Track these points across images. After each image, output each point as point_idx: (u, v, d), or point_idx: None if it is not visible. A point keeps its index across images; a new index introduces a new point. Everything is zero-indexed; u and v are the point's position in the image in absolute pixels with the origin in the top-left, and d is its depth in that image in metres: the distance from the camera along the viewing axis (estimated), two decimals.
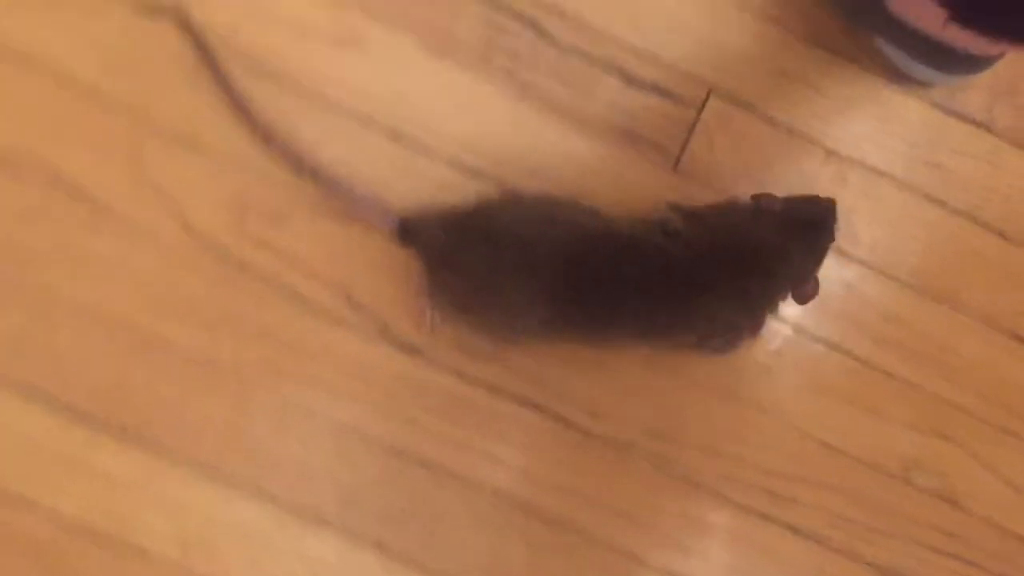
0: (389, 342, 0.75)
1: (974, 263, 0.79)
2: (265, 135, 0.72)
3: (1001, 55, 0.74)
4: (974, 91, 0.79)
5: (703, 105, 0.77)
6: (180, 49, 0.73)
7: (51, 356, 0.73)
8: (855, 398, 0.78)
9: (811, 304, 0.75)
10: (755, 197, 0.71)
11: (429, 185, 0.74)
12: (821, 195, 0.72)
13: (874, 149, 0.79)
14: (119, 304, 0.73)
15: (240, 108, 0.72)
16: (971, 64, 0.73)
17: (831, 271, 0.77)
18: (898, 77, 0.78)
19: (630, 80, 0.76)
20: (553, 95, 0.76)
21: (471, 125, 0.75)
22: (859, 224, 0.78)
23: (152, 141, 0.73)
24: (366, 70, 0.75)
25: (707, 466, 0.77)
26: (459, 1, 0.75)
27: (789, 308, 0.75)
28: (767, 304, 0.71)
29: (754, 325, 0.73)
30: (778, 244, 0.68)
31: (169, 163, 0.73)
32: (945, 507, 0.79)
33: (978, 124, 0.79)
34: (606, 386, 0.76)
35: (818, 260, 0.71)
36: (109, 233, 0.73)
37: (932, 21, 0.67)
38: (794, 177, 0.78)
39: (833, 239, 0.71)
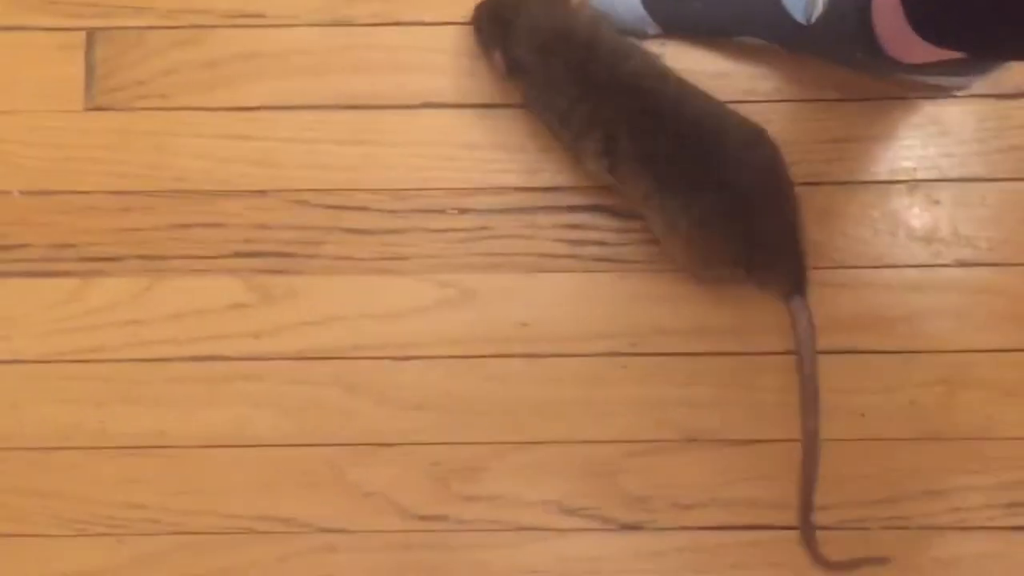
0: (607, 527, 0.81)
1: None
2: None
3: None
4: (1011, 69, 0.81)
5: None
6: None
7: None
8: None
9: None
10: None
11: None
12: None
13: (949, 161, 0.81)
14: None
15: None
16: (988, 60, 0.75)
17: (968, 283, 0.80)
18: (937, 91, 0.81)
19: None
20: (649, 255, 0.81)
21: None
22: (969, 232, 0.81)
23: (344, 459, 0.82)
24: None
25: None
26: (538, 223, 0.82)
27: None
28: None
29: None
30: None
31: (366, 471, 0.82)
32: None
33: None
34: None
35: None
36: (345, 549, 0.82)
37: (924, 50, 0.70)
38: (890, 220, 0.81)
39: None
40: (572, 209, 0.82)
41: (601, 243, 0.82)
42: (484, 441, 0.81)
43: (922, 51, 0.70)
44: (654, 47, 0.82)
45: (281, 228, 0.82)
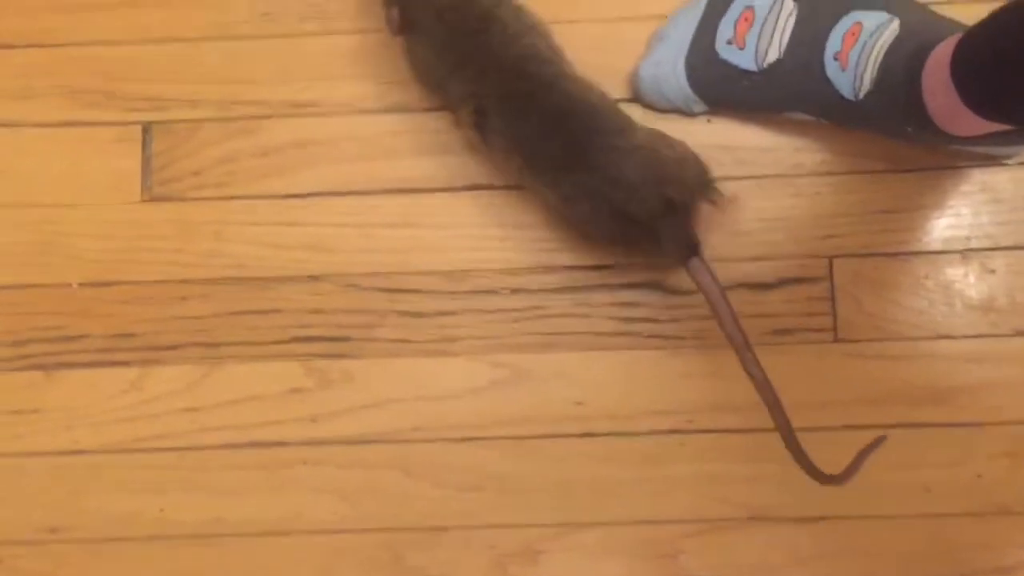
0: None
1: None
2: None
3: None
4: None
5: (831, 272, 0.82)
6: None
7: None
8: None
9: None
10: None
11: None
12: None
13: (1002, 229, 0.81)
14: None
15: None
16: None
17: None
18: (987, 160, 0.81)
19: (756, 287, 0.82)
20: (702, 331, 0.81)
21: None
22: None
23: (403, 544, 0.81)
24: None
25: None
26: (590, 301, 0.83)
27: None
28: None
29: None
30: None
31: (424, 555, 0.81)
32: None
33: None
34: None
35: None
36: None
37: (976, 124, 0.71)
38: (945, 290, 0.80)
39: None
40: (623, 287, 0.82)
41: (653, 320, 0.82)
42: (542, 523, 0.81)
43: (974, 124, 0.70)
44: (700, 122, 0.84)
45: (336, 312, 0.83)
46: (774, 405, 0.76)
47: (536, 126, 0.77)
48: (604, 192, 0.76)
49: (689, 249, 0.77)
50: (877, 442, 0.76)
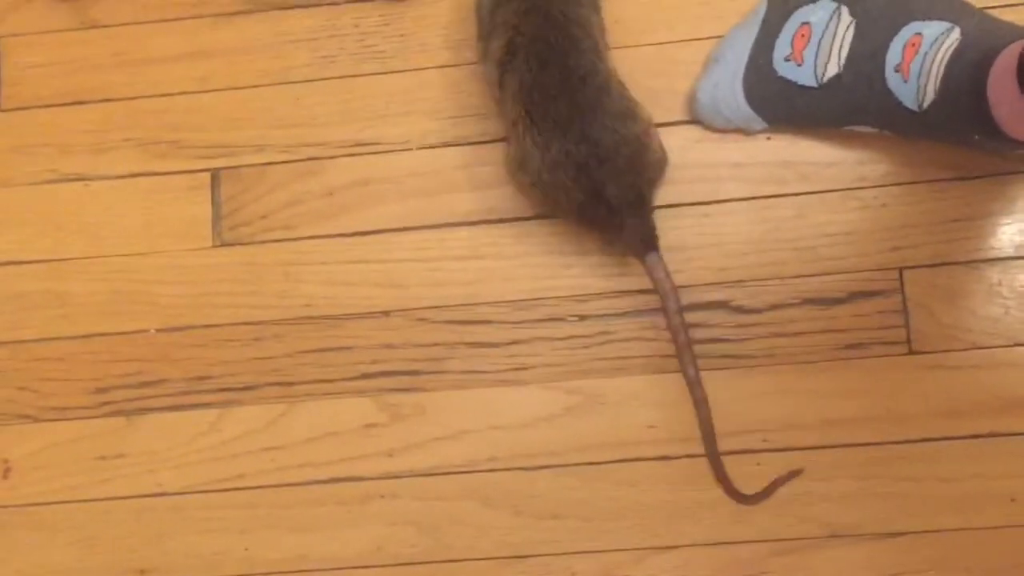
0: None
1: None
2: None
3: None
4: None
5: (902, 284, 0.81)
6: None
7: None
8: None
9: None
10: None
11: None
12: None
13: None
14: None
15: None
16: None
17: None
18: None
19: (825, 302, 0.81)
20: (772, 349, 0.81)
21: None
22: None
23: (484, 573, 0.81)
24: None
25: None
26: (658, 324, 0.83)
27: None
28: None
29: None
30: None
31: None
32: None
33: None
34: None
35: None
36: None
37: None
38: (1020, 297, 0.79)
39: None
40: (689, 308, 0.82)
41: (722, 340, 0.82)
42: (621, 548, 0.81)
43: None
44: (760, 140, 0.84)
45: (407, 347, 0.84)
46: (701, 404, 0.80)
47: (551, 81, 0.79)
48: (589, 167, 0.77)
49: (649, 243, 0.80)
50: (791, 474, 0.79)
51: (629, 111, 0.79)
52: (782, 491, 0.80)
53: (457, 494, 0.82)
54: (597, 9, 0.83)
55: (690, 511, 0.81)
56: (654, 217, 0.81)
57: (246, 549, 0.83)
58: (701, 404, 0.81)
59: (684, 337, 0.81)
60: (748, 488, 0.80)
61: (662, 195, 0.84)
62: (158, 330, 0.86)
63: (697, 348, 0.82)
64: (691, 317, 0.82)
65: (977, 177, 0.82)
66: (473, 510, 0.82)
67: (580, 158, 0.77)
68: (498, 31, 0.81)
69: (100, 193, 0.89)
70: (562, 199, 0.80)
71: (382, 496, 0.83)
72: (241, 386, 0.85)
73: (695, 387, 0.81)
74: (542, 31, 0.80)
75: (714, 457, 0.80)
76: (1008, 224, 0.81)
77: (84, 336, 0.86)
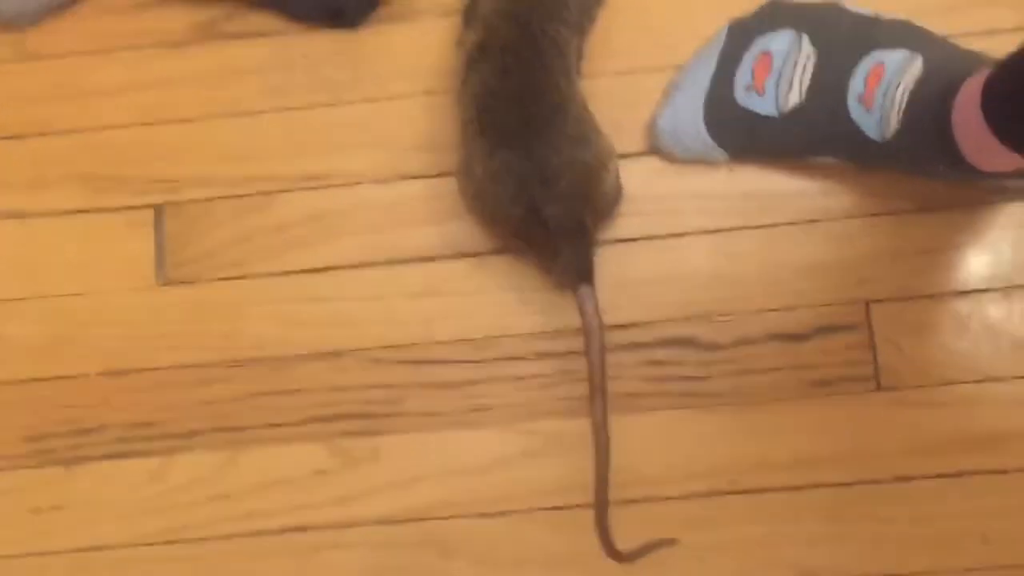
0: None
1: None
2: None
3: None
4: None
5: (868, 318, 0.79)
6: None
7: None
8: None
9: None
10: None
11: None
12: None
13: None
14: None
15: None
16: None
17: None
18: (1022, 194, 0.78)
19: (789, 338, 0.79)
20: (738, 387, 0.79)
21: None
22: None
23: None
24: None
25: None
26: (620, 362, 0.80)
27: None
28: None
29: None
30: None
31: None
32: None
33: None
34: None
35: None
36: None
37: (1011, 159, 0.69)
38: (990, 330, 0.77)
39: None
40: (652, 345, 0.80)
41: (687, 378, 0.79)
42: None
43: (1009, 159, 0.68)
44: (722, 172, 0.82)
45: (359, 388, 0.81)
46: (602, 449, 0.77)
47: (510, 91, 0.77)
48: (529, 184, 0.75)
49: (583, 276, 0.77)
50: (665, 542, 0.77)
51: (583, 136, 0.77)
52: (750, 533, 0.77)
53: (414, 542, 0.79)
54: (582, 32, 0.81)
55: (657, 556, 0.77)
56: (594, 250, 0.78)
57: None
58: (601, 449, 0.77)
59: (600, 379, 0.77)
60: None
61: (623, 228, 0.81)
62: (98, 374, 0.82)
63: (662, 386, 0.79)
64: (654, 354, 0.80)
65: (943, 208, 0.80)
66: (431, 560, 0.78)
67: (522, 173, 0.75)
68: (477, 25, 0.80)
69: (37, 230, 0.84)
70: (501, 212, 0.77)
71: (335, 546, 0.79)
72: (186, 432, 0.81)
73: (599, 431, 0.77)
74: (515, 41, 0.78)
75: (601, 506, 0.77)
76: (976, 256, 0.80)
77: (19, 381, 0.82)
